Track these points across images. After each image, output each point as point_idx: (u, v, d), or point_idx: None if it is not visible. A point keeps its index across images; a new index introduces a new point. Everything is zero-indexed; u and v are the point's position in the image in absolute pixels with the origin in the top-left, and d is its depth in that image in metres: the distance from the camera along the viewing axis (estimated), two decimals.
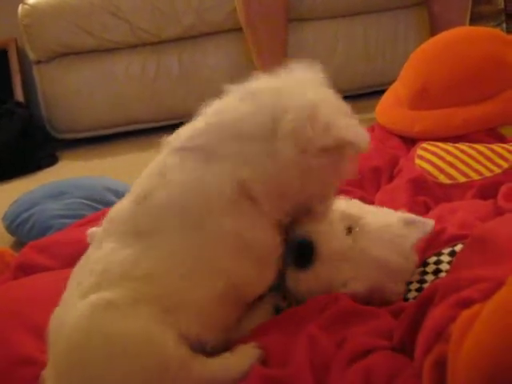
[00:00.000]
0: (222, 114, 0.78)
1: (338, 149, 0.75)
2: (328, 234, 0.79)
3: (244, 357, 0.74)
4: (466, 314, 0.54)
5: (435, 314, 0.60)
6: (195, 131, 0.78)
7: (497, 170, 1.24)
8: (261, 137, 0.74)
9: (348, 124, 0.75)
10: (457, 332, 0.53)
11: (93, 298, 0.69)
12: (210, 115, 0.79)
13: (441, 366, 0.55)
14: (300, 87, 0.78)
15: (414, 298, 0.83)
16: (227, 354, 0.74)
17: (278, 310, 0.82)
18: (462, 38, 1.54)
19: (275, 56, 2.21)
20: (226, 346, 0.76)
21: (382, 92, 1.78)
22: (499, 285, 0.54)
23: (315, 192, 0.79)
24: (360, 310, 0.76)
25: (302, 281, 0.79)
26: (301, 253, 0.79)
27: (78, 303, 0.70)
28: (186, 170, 0.74)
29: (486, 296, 0.55)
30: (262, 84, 0.79)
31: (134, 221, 0.74)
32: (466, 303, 0.57)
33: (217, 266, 0.72)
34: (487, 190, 1.20)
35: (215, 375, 0.72)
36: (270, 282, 0.78)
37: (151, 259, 0.71)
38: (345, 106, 0.80)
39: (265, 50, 2.21)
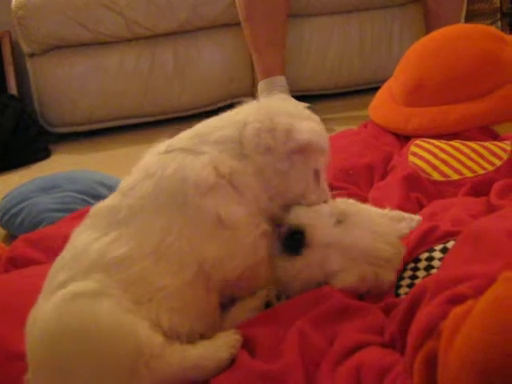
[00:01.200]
0: (198, 127, 0.86)
1: (302, 151, 0.83)
2: (317, 224, 0.82)
3: (224, 345, 0.74)
4: (457, 310, 0.54)
5: (426, 311, 0.59)
6: (175, 140, 0.85)
7: (489, 168, 1.24)
8: (232, 144, 0.82)
9: (308, 127, 0.84)
10: (448, 328, 0.53)
11: (63, 291, 0.70)
12: (190, 130, 0.87)
13: (431, 361, 0.54)
14: (263, 102, 0.88)
15: (406, 294, 0.83)
16: (207, 342, 0.74)
17: (268, 306, 0.82)
18: (458, 36, 1.54)
19: (274, 51, 2.21)
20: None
21: (376, 89, 1.78)
22: (491, 281, 0.54)
23: (297, 189, 0.85)
24: (351, 306, 0.76)
25: (290, 268, 0.81)
26: (291, 239, 0.81)
27: (50, 297, 0.71)
28: (169, 162, 0.79)
29: (479, 292, 0.55)
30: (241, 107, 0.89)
31: (115, 211, 0.77)
32: (459, 299, 0.57)
33: (190, 249, 0.74)
34: (480, 187, 1.20)
35: (195, 363, 0.72)
36: (242, 266, 0.78)
37: (126, 245, 0.73)
38: (304, 111, 0.89)
39: (263, 45, 2.20)
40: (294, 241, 0.80)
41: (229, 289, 0.80)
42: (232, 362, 0.73)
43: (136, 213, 0.76)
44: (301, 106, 0.91)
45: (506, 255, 0.62)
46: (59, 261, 0.77)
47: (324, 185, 0.90)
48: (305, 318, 0.74)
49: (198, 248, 0.75)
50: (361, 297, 0.84)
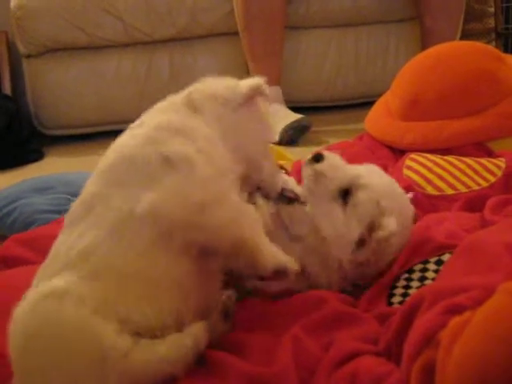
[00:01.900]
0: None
1: (251, 97, 0.88)
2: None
3: (188, 334, 0.72)
4: (456, 320, 0.54)
5: (424, 320, 0.59)
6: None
7: (484, 184, 1.25)
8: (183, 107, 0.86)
9: (244, 81, 0.91)
10: (447, 338, 0.53)
11: (33, 292, 0.70)
12: None
13: (429, 371, 0.54)
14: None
15: (399, 303, 0.83)
16: (173, 335, 0.72)
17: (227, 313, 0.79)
18: (455, 53, 1.56)
19: (270, 61, 2.22)
20: None
21: (370, 103, 1.79)
22: (490, 293, 0.54)
23: (253, 147, 0.88)
24: (346, 313, 0.76)
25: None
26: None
27: (28, 295, 0.71)
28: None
29: (477, 303, 0.55)
30: None
31: (82, 202, 0.78)
32: (457, 310, 0.57)
33: (143, 209, 0.71)
34: (474, 202, 1.20)
35: (161, 359, 0.70)
36: (198, 205, 0.73)
37: (90, 234, 0.72)
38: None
39: (260, 54, 2.22)
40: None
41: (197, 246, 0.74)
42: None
43: (98, 197, 0.75)
44: None
45: (504, 268, 0.62)
46: (43, 264, 0.77)
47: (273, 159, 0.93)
48: (299, 324, 0.73)
49: (150, 200, 0.71)
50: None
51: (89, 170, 1.80)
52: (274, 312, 0.79)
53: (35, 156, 2.28)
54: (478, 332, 0.50)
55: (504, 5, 3.06)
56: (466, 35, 2.61)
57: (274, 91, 2.23)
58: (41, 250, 1.16)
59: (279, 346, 0.71)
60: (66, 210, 1.39)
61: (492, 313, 0.51)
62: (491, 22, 2.97)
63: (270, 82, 2.20)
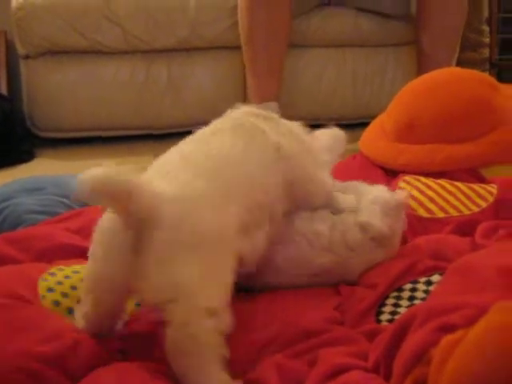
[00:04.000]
0: None
1: None
2: None
3: None
4: (448, 338, 0.55)
5: (416, 337, 0.59)
6: None
7: (475, 209, 1.26)
8: None
9: None
10: (439, 355, 0.53)
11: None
12: None
13: None
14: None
15: (388, 321, 0.83)
16: None
17: None
18: (452, 78, 1.58)
19: (271, 77, 2.22)
20: None
21: (365, 124, 1.80)
22: (483, 312, 0.54)
23: None
24: (334, 332, 0.76)
25: None
26: None
27: None
28: None
29: (470, 322, 0.55)
30: None
31: None
32: (449, 328, 0.57)
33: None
34: (464, 227, 1.21)
35: None
36: None
37: None
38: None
39: (261, 68, 2.22)
40: None
41: None
42: None
43: None
44: None
45: (496, 289, 0.62)
46: None
47: None
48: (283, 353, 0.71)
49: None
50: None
51: (78, 174, 1.80)
52: (254, 326, 0.78)
53: (26, 157, 2.26)
54: (470, 350, 0.51)
55: (499, 36, 3.10)
56: (460, 63, 2.64)
57: (271, 107, 2.24)
58: (28, 249, 1.16)
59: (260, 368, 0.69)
60: (55, 212, 1.40)
61: (485, 331, 0.51)
62: (486, 52, 3.02)
63: (268, 99, 2.22)
